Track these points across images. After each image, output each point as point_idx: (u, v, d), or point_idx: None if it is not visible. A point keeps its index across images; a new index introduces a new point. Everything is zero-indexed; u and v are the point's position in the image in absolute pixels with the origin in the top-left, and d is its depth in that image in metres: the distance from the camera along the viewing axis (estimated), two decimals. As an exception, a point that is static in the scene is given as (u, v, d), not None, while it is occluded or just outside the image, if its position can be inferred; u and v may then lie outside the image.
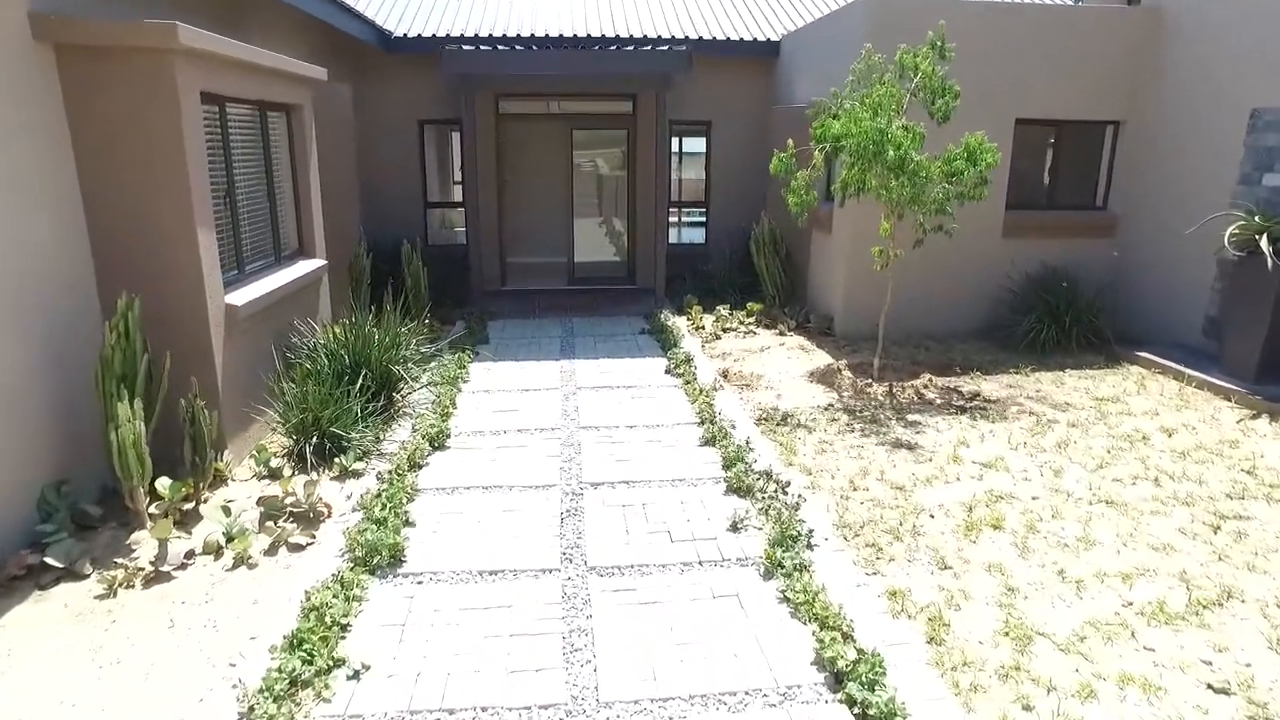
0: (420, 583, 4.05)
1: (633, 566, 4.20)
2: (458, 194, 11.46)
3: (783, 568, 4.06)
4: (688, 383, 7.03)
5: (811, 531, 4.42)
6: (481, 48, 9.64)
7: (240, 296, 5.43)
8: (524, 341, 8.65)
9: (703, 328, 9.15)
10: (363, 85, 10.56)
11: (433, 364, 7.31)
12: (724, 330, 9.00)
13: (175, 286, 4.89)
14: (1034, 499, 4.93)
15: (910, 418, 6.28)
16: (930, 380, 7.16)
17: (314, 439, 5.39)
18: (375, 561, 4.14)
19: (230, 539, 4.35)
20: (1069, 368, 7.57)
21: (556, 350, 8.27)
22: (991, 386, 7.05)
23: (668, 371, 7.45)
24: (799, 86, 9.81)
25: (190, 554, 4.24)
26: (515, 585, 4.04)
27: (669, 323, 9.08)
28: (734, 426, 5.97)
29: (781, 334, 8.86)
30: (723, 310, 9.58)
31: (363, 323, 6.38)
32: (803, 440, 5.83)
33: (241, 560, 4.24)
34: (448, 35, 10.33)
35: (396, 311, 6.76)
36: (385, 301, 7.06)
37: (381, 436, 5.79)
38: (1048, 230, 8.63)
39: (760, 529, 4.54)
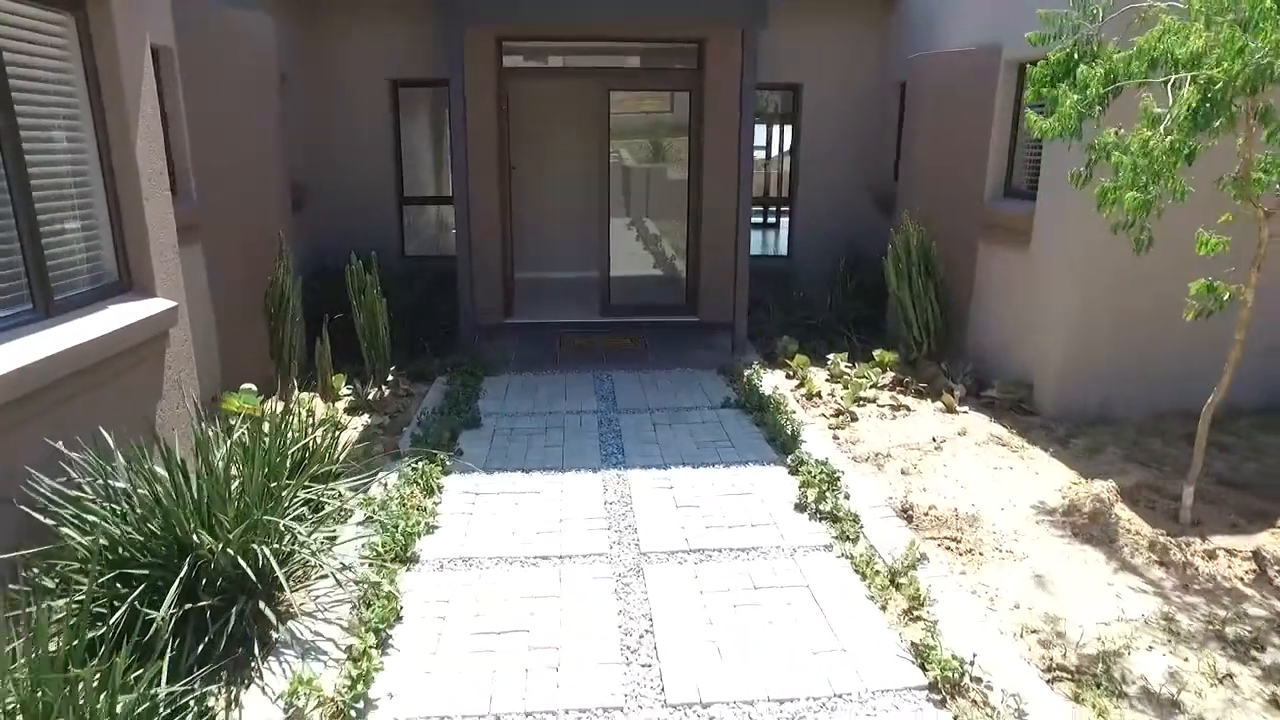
0: None
1: None
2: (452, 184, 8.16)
3: None
4: (848, 540, 3.73)
5: None
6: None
7: None
8: (536, 424, 5.36)
9: (818, 395, 5.85)
10: (311, 32, 7.32)
11: (374, 488, 4.06)
12: (856, 401, 5.68)
13: None
14: None
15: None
16: (1295, 532, 3.83)
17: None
18: None
19: None
20: None
21: (593, 445, 4.97)
22: None
23: (801, 508, 4.12)
24: (956, 24, 6.47)
25: None
26: None
27: (766, 387, 5.80)
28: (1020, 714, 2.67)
29: (948, 409, 5.53)
30: (839, 362, 6.28)
31: (206, 445, 3.12)
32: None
33: None
34: (429, -50, 7.08)
35: (324, 376, 3.53)
36: (327, 354, 3.82)
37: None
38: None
39: None
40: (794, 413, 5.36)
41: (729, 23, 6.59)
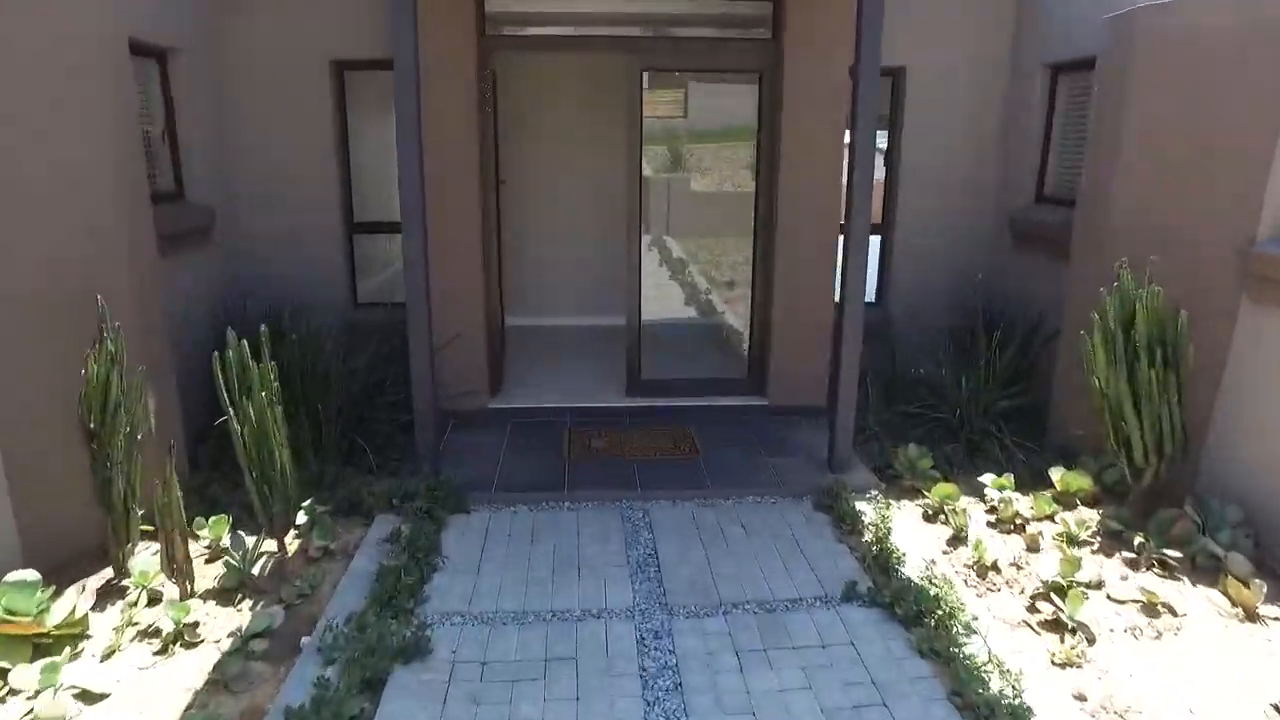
0: None
1: None
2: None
3: None
4: None
5: None
6: None
7: None
8: (528, 649, 3.03)
9: (994, 569, 3.54)
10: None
11: None
12: (1069, 584, 3.35)
13: None
14: None
15: None
16: None
17: None
18: None
19: None
20: None
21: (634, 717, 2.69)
22: None
23: None
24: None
25: None
26: None
27: (906, 551, 3.52)
28: None
29: (1246, 612, 3.21)
30: (1005, 492, 4.01)
31: None
32: None
33: None
34: None
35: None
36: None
37: None
38: None
39: None
40: (966, 616, 3.07)
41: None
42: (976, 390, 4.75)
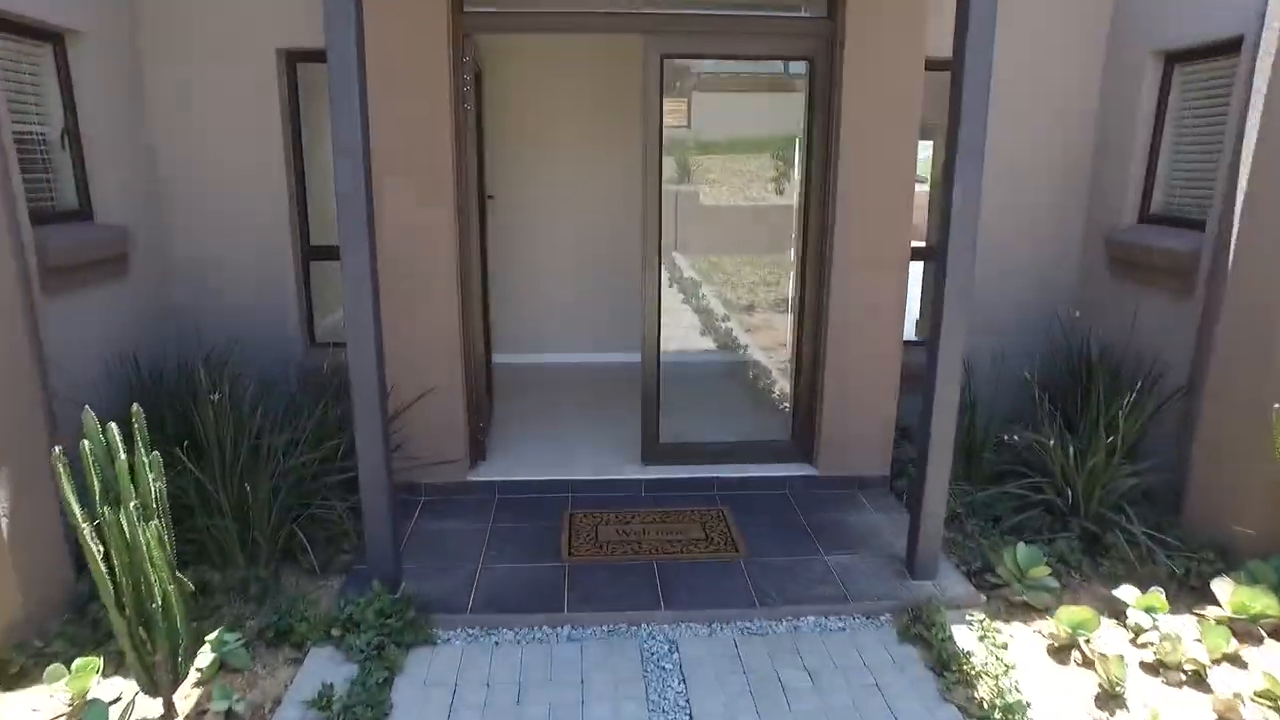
0: None
1: None
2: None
3: None
4: None
5: None
6: None
7: None
8: None
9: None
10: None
11: None
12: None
13: None
14: None
15: None
16: None
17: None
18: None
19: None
20: None
21: None
22: None
23: None
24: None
25: None
26: None
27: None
28: None
29: None
30: (1152, 609, 2.97)
31: None
32: None
33: None
34: None
35: None
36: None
37: None
38: None
39: None
40: None
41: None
42: (1083, 458, 3.69)
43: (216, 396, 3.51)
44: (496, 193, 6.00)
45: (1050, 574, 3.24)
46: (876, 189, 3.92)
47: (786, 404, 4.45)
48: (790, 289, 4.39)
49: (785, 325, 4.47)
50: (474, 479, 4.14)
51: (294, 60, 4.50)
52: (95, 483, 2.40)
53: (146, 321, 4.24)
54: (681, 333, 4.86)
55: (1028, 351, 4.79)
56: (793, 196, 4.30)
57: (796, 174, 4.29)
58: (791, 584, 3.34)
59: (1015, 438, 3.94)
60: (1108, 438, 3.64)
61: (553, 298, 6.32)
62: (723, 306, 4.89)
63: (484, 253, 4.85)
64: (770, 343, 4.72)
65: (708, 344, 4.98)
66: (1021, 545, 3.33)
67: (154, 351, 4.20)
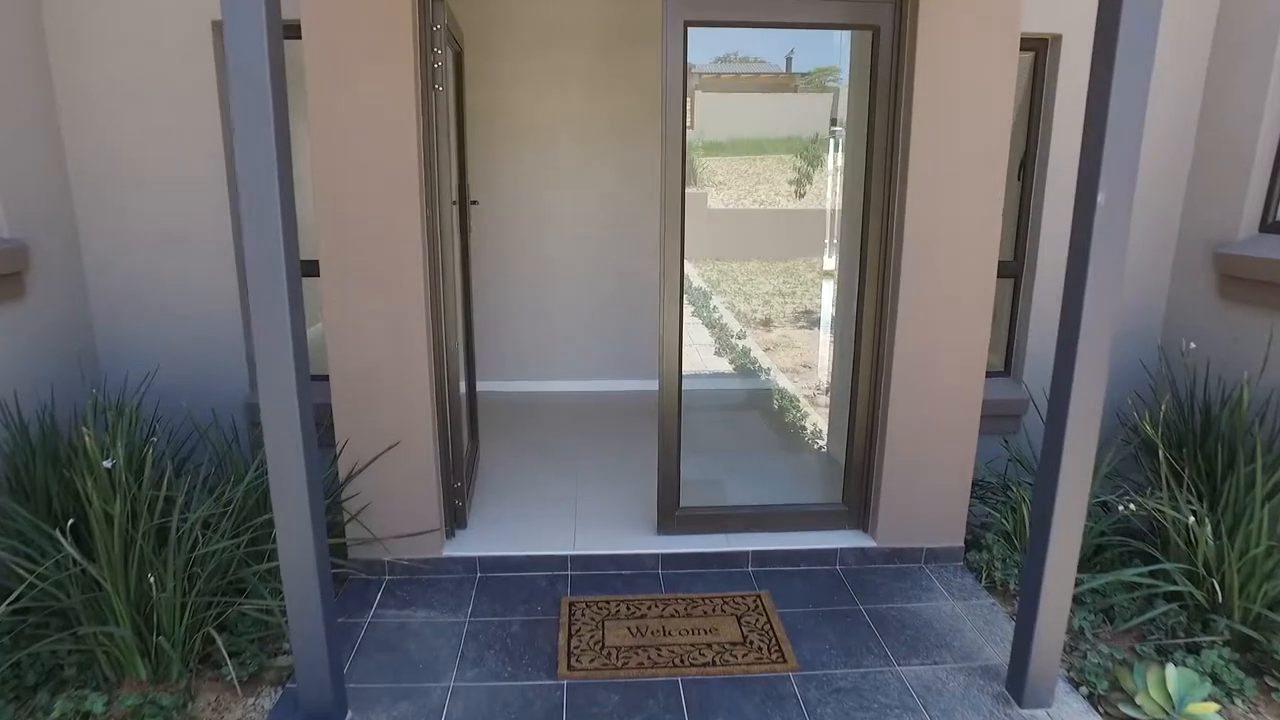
0: None
1: None
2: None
3: None
4: None
5: None
6: None
7: None
8: None
9: None
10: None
11: None
12: None
13: None
14: None
15: None
16: None
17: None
18: None
19: None
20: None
21: None
22: None
23: None
24: None
25: None
26: None
27: None
28: None
29: None
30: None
31: None
32: None
33: None
34: None
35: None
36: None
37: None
38: None
39: None
40: None
41: None
42: (1231, 539, 2.87)
43: (111, 463, 2.69)
44: (481, 197, 5.21)
45: (1218, 711, 2.42)
46: (956, 190, 3.11)
47: (822, 444, 3.63)
48: (848, 312, 3.57)
49: (824, 352, 3.66)
50: (450, 554, 3.32)
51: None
52: None
53: (53, 357, 3.43)
54: (698, 357, 4.06)
55: (1117, 384, 3.99)
56: (836, 200, 3.49)
57: (849, 172, 3.49)
58: (857, 709, 2.53)
59: (1131, 506, 3.12)
60: (1244, 505, 2.82)
61: (550, 319, 5.51)
62: (742, 325, 4.08)
63: (465, 271, 4.04)
64: (809, 380, 3.91)
65: (734, 376, 4.17)
66: (1171, 667, 2.50)
67: (64, 392, 3.40)
